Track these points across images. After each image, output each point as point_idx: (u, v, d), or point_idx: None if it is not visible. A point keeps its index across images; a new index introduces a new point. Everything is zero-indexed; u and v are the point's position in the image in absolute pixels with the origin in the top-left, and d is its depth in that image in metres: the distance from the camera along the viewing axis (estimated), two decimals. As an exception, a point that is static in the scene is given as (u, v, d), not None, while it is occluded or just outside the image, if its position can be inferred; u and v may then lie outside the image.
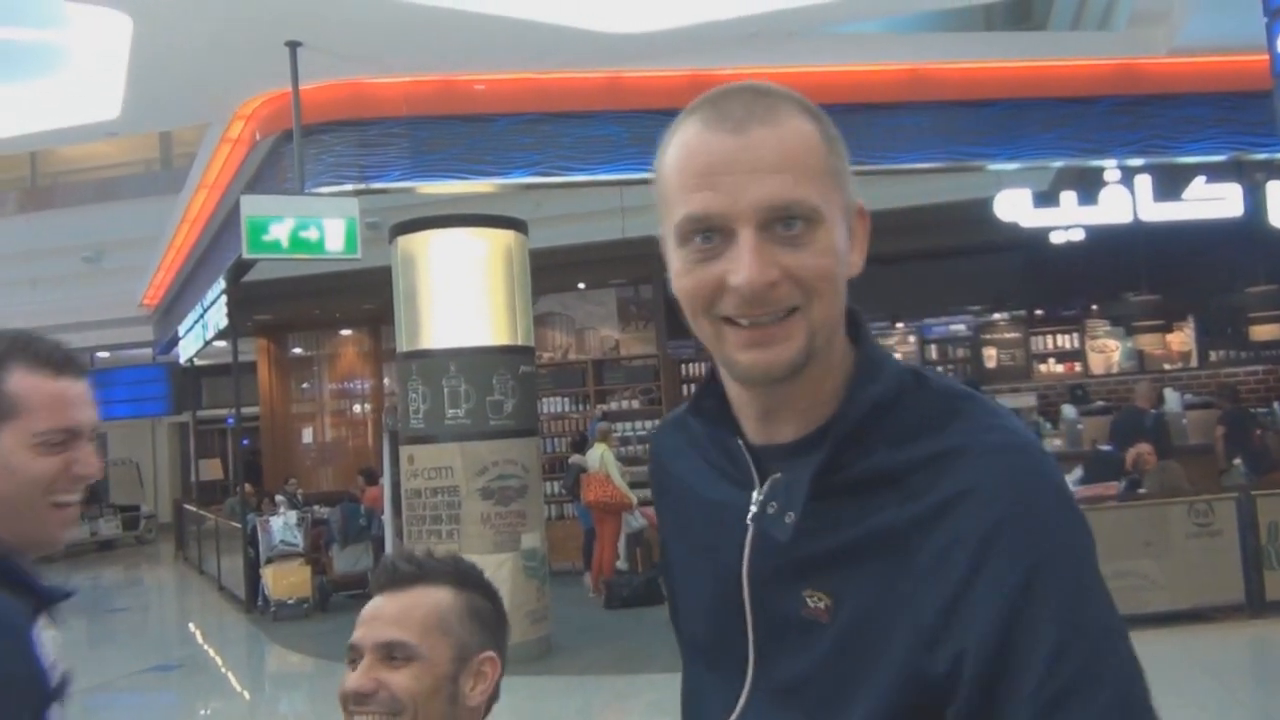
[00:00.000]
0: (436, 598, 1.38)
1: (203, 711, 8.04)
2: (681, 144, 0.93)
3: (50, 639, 1.27)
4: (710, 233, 0.90)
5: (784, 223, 0.89)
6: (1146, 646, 0.88)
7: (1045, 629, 0.82)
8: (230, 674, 9.22)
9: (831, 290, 0.92)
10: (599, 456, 10.07)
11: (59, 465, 1.33)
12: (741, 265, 0.89)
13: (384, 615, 1.36)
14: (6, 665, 1.16)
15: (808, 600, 0.94)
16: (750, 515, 0.98)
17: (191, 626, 12.00)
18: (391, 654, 1.33)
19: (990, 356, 13.14)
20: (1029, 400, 12.26)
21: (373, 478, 11.84)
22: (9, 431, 1.30)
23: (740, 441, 1.00)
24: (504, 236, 8.02)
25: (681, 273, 0.93)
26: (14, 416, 1.31)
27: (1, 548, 1.27)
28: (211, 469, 19.98)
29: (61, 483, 1.33)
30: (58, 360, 1.36)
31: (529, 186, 8.19)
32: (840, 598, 0.92)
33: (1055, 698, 0.81)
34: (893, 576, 0.89)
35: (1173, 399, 11.30)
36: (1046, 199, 9.38)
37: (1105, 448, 9.25)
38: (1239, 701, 6.07)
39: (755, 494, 0.98)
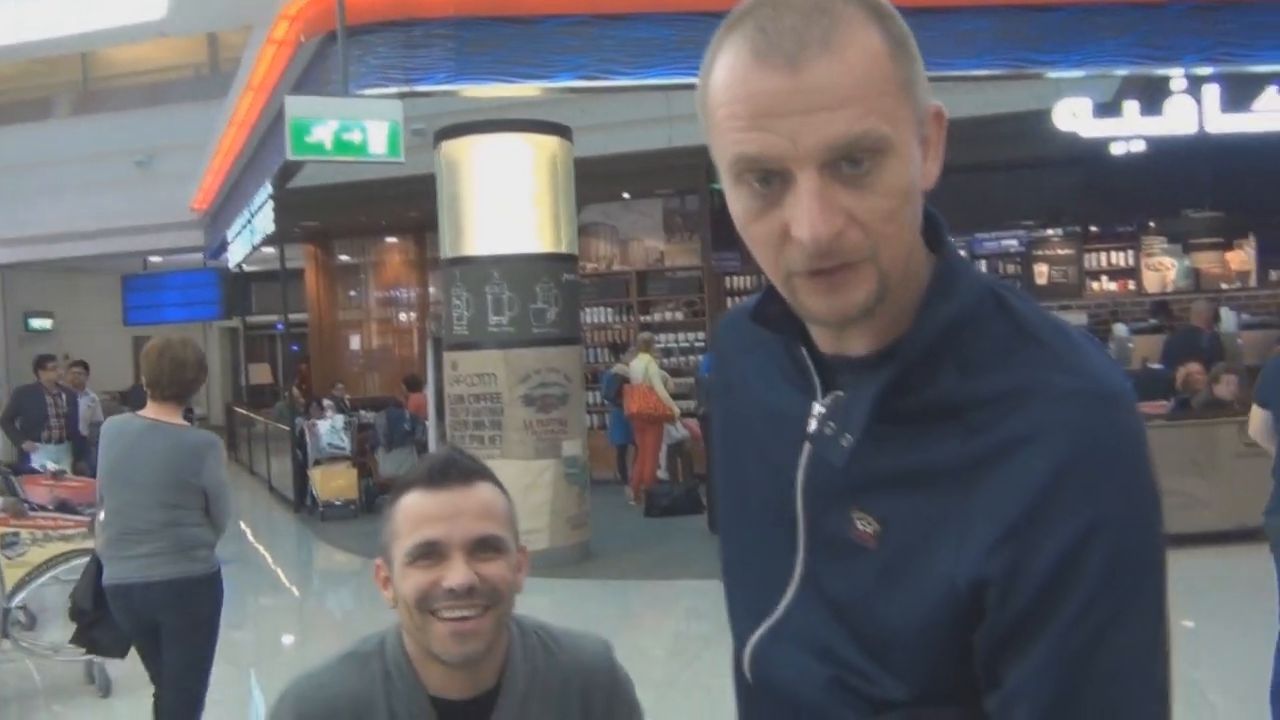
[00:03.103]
0: (497, 494, 1.40)
1: (254, 605, 8.30)
2: (729, 69, 0.84)
3: None
4: (767, 174, 0.83)
5: (849, 161, 0.82)
6: (1193, 564, 0.87)
7: (1086, 594, 0.81)
8: (280, 570, 9.49)
9: (900, 231, 0.85)
10: (643, 368, 10.08)
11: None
12: (804, 216, 0.82)
13: (468, 510, 1.34)
14: None
15: (857, 522, 0.91)
16: (808, 433, 0.94)
17: (243, 525, 12.33)
18: (484, 548, 1.34)
19: (1041, 273, 12.84)
20: (1080, 319, 12.01)
21: (415, 384, 11.98)
22: None
23: (806, 350, 0.96)
24: (549, 143, 7.93)
25: (743, 219, 0.87)
26: None
27: None
28: (261, 374, 20.30)
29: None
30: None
31: (574, 90, 8.05)
32: (889, 524, 0.89)
33: (1079, 651, 0.81)
34: (944, 510, 0.86)
35: (1229, 319, 11.04)
36: (1108, 110, 9.07)
37: (1156, 366, 9.09)
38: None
39: (816, 406, 0.94)
